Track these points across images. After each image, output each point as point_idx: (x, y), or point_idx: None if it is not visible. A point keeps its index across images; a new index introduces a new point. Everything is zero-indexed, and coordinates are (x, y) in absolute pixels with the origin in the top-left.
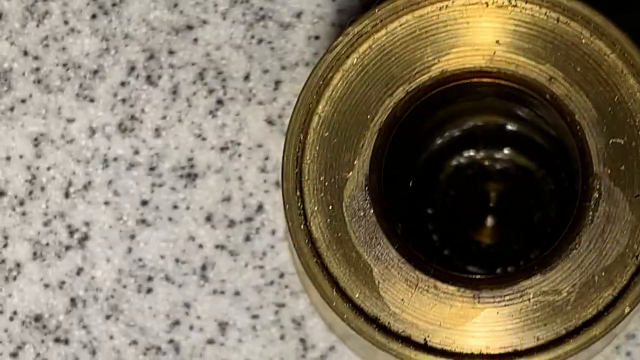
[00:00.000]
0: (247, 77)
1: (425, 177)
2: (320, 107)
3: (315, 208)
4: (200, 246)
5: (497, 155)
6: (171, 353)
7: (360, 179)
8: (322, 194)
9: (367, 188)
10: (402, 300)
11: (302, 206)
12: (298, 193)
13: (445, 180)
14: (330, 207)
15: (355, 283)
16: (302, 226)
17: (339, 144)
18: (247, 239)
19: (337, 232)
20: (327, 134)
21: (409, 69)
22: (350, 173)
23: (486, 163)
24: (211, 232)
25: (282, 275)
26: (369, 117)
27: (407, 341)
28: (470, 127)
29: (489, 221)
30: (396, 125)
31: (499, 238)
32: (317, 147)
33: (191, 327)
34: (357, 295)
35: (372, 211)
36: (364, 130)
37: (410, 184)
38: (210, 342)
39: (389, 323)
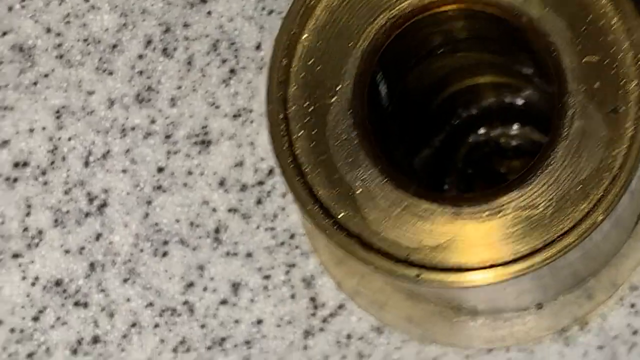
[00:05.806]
0: (258, 47)
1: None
2: (304, 36)
3: (300, 132)
4: (214, 210)
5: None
6: (186, 314)
7: (343, 104)
8: (306, 119)
9: (350, 112)
10: (385, 219)
11: (286, 130)
12: (282, 116)
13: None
14: (315, 131)
15: (339, 203)
16: (285, 148)
17: (323, 71)
18: (259, 202)
19: (320, 155)
20: (311, 62)
21: None
22: (334, 98)
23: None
24: (224, 196)
25: (292, 237)
26: (351, 44)
27: (389, 257)
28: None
29: None
30: (379, 52)
31: None
32: (302, 75)
33: (205, 289)
34: (340, 215)
35: (355, 134)
36: (347, 57)
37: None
38: (224, 302)
39: (371, 241)
